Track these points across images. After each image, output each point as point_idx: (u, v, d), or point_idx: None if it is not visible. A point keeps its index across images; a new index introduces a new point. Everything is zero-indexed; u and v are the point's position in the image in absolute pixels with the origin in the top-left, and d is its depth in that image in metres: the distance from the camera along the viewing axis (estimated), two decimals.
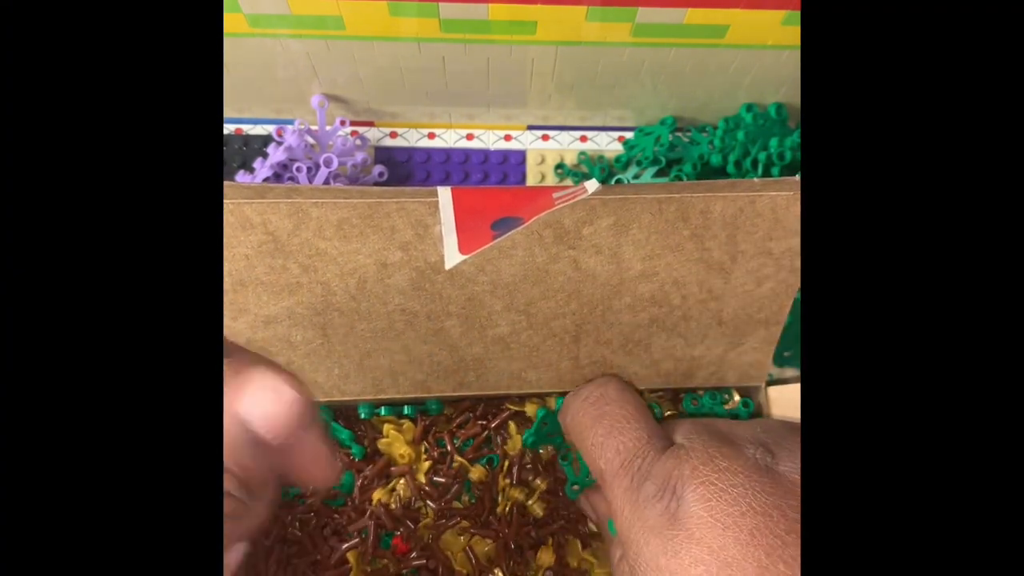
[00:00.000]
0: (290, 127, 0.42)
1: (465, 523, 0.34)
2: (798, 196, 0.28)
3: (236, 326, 0.29)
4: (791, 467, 0.26)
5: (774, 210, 0.28)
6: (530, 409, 0.36)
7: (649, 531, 0.26)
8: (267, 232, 0.27)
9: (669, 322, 0.32)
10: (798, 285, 0.31)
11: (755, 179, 0.27)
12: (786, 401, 0.35)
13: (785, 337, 0.36)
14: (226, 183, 0.25)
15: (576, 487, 0.33)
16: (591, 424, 0.30)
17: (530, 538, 0.34)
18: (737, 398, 0.36)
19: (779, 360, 0.39)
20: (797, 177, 0.28)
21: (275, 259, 0.28)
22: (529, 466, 0.35)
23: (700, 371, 0.35)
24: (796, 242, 0.29)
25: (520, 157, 0.45)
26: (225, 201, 0.26)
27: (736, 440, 0.27)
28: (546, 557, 0.34)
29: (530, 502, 0.35)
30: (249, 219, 0.26)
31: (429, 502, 0.34)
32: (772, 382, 0.36)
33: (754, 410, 0.36)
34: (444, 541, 0.34)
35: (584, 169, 0.44)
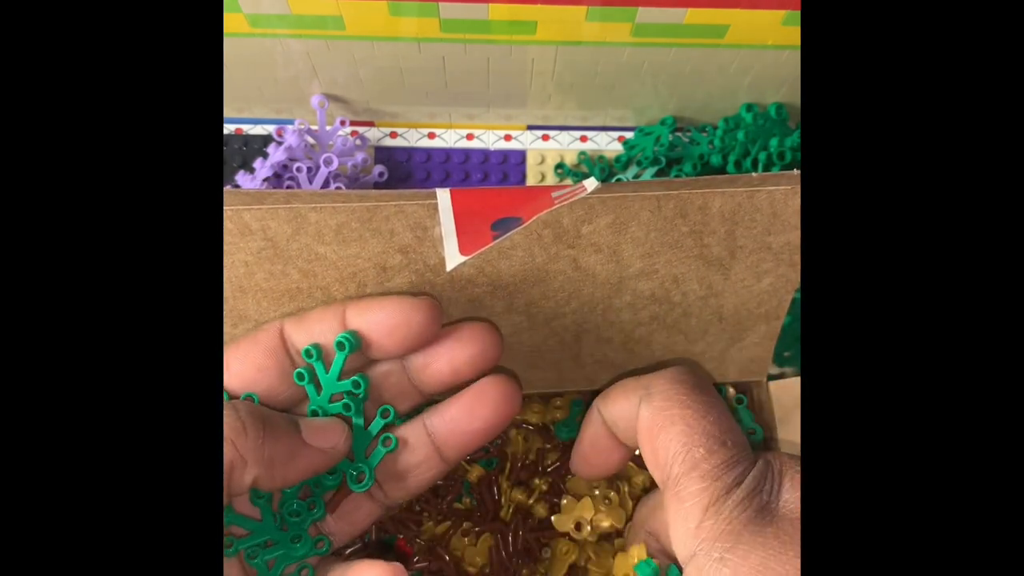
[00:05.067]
0: (290, 127, 0.42)
1: (468, 524, 0.34)
2: (796, 190, 0.28)
3: (236, 333, 0.29)
4: None
5: (772, 204, 0.28)
6: (534, 417, 0.36)
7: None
8: (266, 238, 0.27)
9: (670, 319, 0.32)
10: (797, 280, 0.31)
11: (753, 173, 0.27)
12: (788, 396, 0.35)
13: (785, 337, 0.36)
14: (224, 190, 0.25)
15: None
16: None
17: (536, 540, 0.34)
18: (732, 392, 0.36)
19: (779, 360, 0.39)
20: (795, 171, 0.28)
21: (274, 265, 0.28)
22: (530, 466, 0.35)
23: (701, 367, 0.35)
24: (795, 236, 0.29)
25: (520, 157, 0.45)
26: (224, 208, 0.26)
27: None
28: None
29: (531, 501, 0.35)
30: (248, 225, 0.26)
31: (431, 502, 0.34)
32: (773, 377, 0.36)
33: (747, 405, 0.36)
34: (452, 543, 0.34)
35: (584, 169, 0.44)
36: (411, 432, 0.29)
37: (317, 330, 0.27)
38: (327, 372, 0.27)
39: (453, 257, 0.26)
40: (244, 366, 0.27)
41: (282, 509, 0.27)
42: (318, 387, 0.28)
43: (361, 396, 0.28)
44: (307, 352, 0.27)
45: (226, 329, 0.29)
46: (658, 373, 0.28)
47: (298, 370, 0.27)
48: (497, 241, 0.26)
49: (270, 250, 0.27)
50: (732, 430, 0.26)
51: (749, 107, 0.43)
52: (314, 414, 0.28)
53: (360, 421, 0.28)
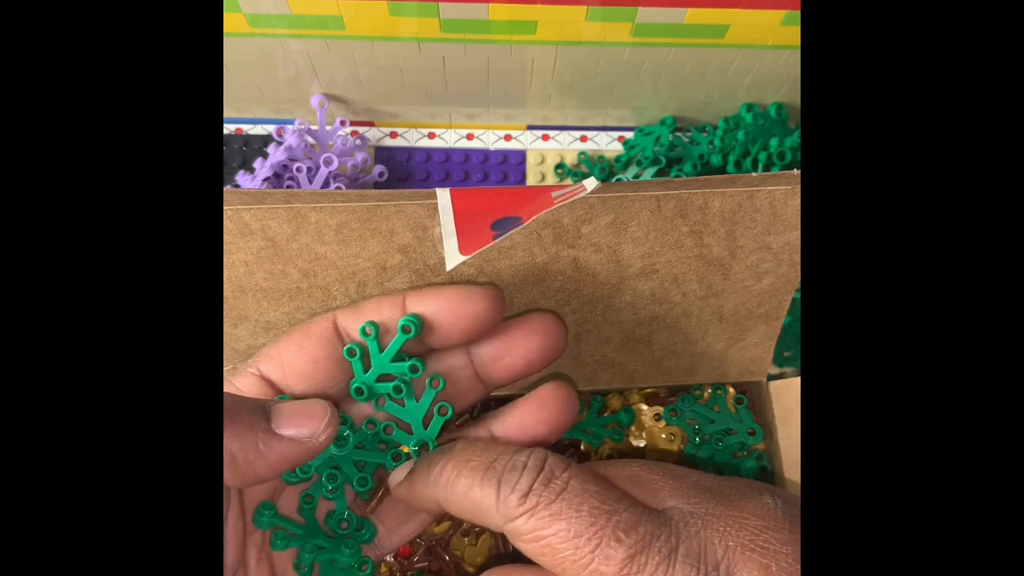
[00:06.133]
0: (290, 127, 0.42)
1: (468, 524, 0.34)
2: (796, 190, 0.28)
3: (237, 332, 0.29)
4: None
5: (772, 204, 0.28)
6: None
7: None
8: (266, 238, 0.27)
9: (670, 319, 0.32)
10: (797, 280, 0.31)
11: (753, 173, 0.27)
12: (788, 396, 0.35)
13: (785, 337, 0.36)
14: (224, 190, 0.25)
15: None
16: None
17: None
18: (732, 392, 0.36)
19: (779, 360, 0.39)
20: (795, 171, 0.28)
21: (274, 264, 0.28)
22: None
23: (702, 367, 0.35)
24: (795, 236, 0.29)
25: (520, 157, 0.45)
26: (224, 208, 0.26)
27: (745, 492, 0.24)
28: None
29: None
30: (248, 225, 0.26)
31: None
32: (773, 377, 0.36)
33: (747, 405, 0.36)
34: (453, 543, 0.34)
35: (584, 169, 0.44)
36: (477, 436, 0.28)
37: (375, 320, 0.27)
38: (380, 352, 0.27)
39: (453, 257, 0.26)
40: (298, 359, 0.26)
41: (329, 520, 0.27)
42: (367, 365, 0.27)
43: (416, 374, 0.27)
44: (363, 330, 0.26)
45: (226, 329, 0.29)
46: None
47: (348, 345, 0.26)
48: (497, 241, 0.26)
49: (270, 250, 0.27)
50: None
51: (749, 107, 0.43)
52: (357, 392, 0.27)
53: (412, 399, 0.27)
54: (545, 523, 0.23)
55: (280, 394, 0.26)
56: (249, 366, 0.27)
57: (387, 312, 0.27)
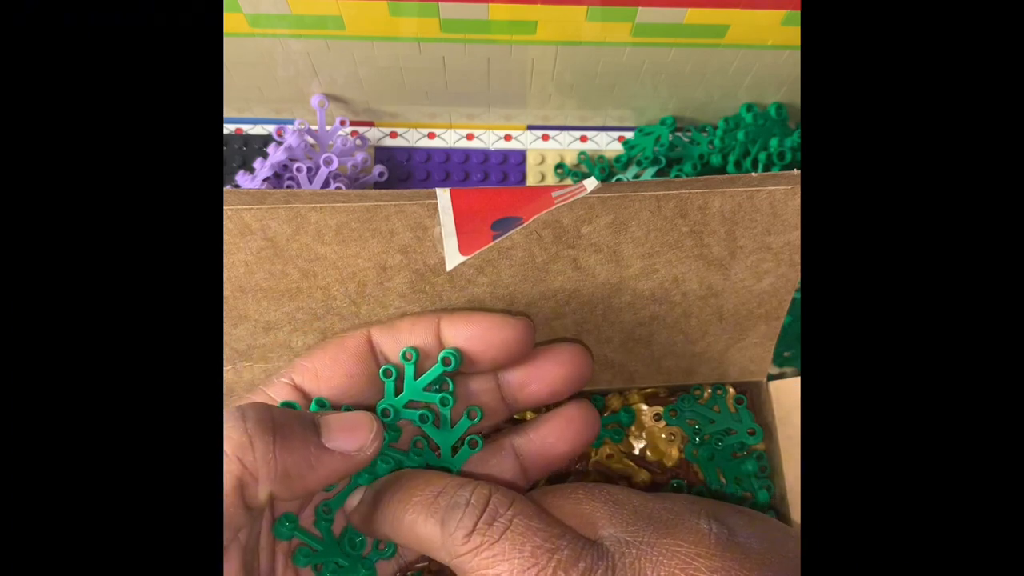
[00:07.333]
0: (290, 127, 0.42)
1: None
2: (796, 190, 0.28)
3: (237, 332, 0.29)
4: (747, 537, 0.24)
5: (772, 204, 0.28)
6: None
7: None
8: (266, 238, 0.27)
9: (670, 319, 0.32)
10: (797, 280, 0.31)
11: (753, 173, 0.27)
12: (788, 396, 0.35)
13: (785, 337, 0.36)
14: (224, 190, 0.25)
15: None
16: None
17: None
18: (732, 392, 0.36)
19: (779, 360, 0.39)
20: (795, 171, 0.28)
21: (274, 265, 0.28)
22: None
23: (702, 367, 0.35)
24: (795, 236, 0.29)
25: (520, 157, 0.45)
26: (224, 208, 0.26)
27: (682, 517, 0.25)
28: None
29: None
30: (248, 225, 0.26)
31: None
32: (773, 377, 0.36)
33: (747, 405, 0.36)
34: None
35: (584, 169, 0.44)
36: (499, 452, 0.29)
37: (410, 341, 0.27)
38: (415, 379, 0.27)
39: (453, 257, 0.26)
40: (333, 372, 0.27)
41: (344, 537, 0.27)
42: (399, 388, 0.27)
43: (445, 408, 0.27)
44: (404, 354, 0.27)
45: (226, 329, 0.29)
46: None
47: (385, 366, 0.27)
48: (497, 241, 0.26)
49: (270, 250, 0.27)
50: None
51: (749, 107, 0.43)
52: (383, 413, 0.27)
53: (446, 425, 0.28)
54: (489, 563, 0.23)
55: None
56: (282, 376, 0.27)
57: (422, 335, 0.27)
